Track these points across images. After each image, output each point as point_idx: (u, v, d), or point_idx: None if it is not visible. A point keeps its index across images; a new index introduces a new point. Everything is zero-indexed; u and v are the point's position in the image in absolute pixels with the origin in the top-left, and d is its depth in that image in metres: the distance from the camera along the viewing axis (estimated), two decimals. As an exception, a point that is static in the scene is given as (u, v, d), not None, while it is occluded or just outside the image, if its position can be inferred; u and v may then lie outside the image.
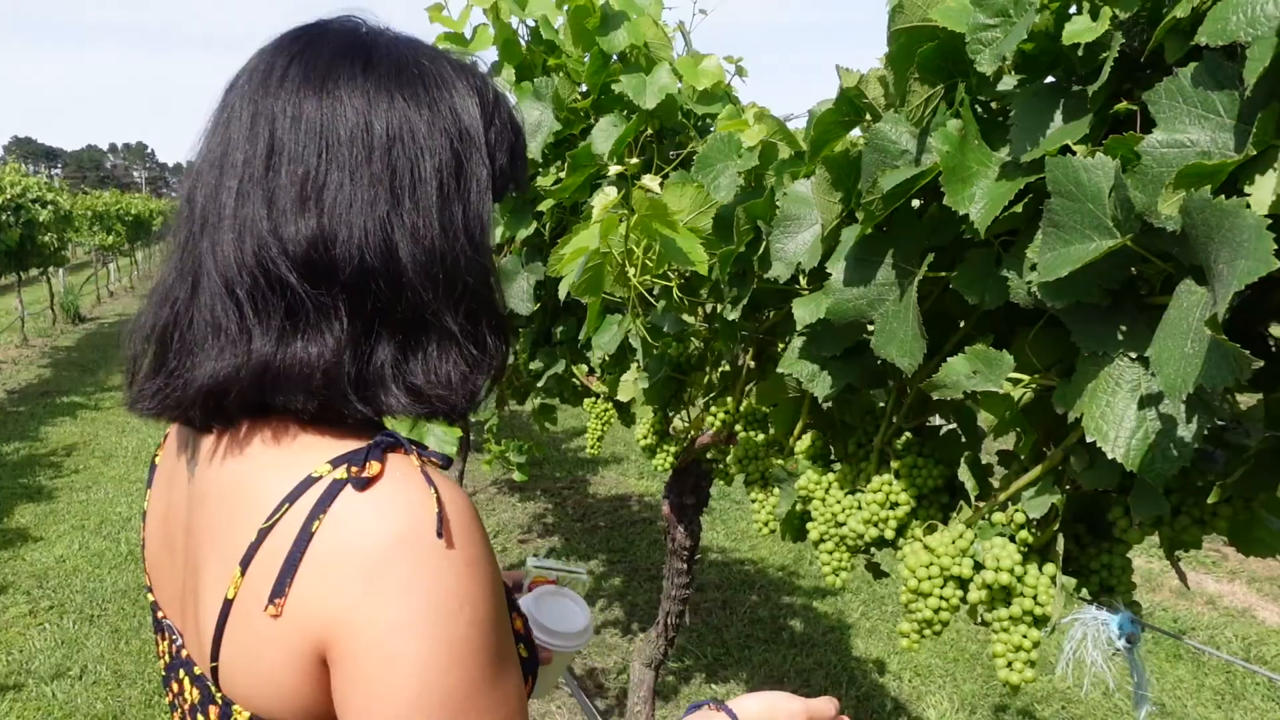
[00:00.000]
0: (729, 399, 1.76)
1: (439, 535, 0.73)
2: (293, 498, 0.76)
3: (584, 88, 2.02)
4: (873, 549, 1.39)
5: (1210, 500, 0.93)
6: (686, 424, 2.05)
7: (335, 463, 0.76)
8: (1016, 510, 1.11)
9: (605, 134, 1.83)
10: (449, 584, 0.73)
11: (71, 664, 3.96)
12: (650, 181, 1.16)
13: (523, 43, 2.24)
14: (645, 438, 2.04)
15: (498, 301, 0.86)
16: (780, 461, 1.57)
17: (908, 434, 1.38)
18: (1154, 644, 4.35)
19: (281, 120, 0.78)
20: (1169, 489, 1.04)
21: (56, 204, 12.55)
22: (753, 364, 1.72)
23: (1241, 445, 1.00)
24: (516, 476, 3.53)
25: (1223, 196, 0.69)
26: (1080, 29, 0.88)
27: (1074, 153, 0.88)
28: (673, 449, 2.04)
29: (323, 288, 0.77)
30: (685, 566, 2.28)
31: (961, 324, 1.20)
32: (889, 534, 1.31)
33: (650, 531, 5.72)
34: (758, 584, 4.95)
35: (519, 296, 2.42)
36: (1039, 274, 0.88)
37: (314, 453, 0.78)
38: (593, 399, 2.49)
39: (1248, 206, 0.67)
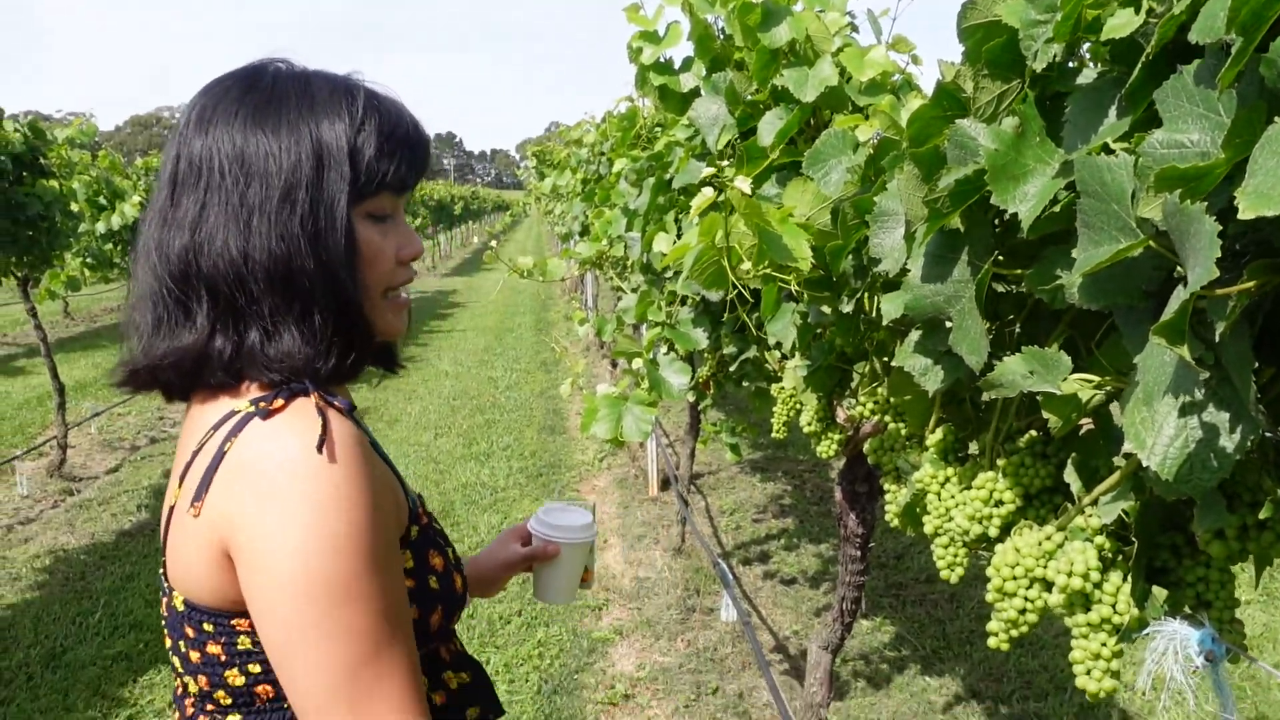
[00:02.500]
0: (879, 389, 1.76)
1: (319, 451, 0.93)
2: (217, 426, 1.00)
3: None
4: (984, 546, 1.38)
5: (1263, 515, 0.88)
6: (855, 410, 2.06)
7: (253, 402, 0.99)
8: (1091, 515, 1.08)
9: (770, 127, 1.88)
10: (326, 491, 0.93)
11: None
12: (742, 183, 1.20)
13: (718, 38, 2.31)
14: (810, 424, 2.07)
15: (345, 291, 1.03)
16: (912, 454, 1.57)
17: (1033, 433, 1.35)
18: None
19: (183, 159, 1.02)
20: (1255, 502, 0.98)
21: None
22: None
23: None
24: (729, 457, 3.61)
25: (1189, 202, 0.67)
26: (1120, 23, 0.85)
27: (1113, 151, 0.86)
28: (838, 436, 2.06)
29: (190, 291, 1.01)
30: (859, 554, 2.28)
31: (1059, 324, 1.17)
32: (993, 531, 1.30)
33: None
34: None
35: (709, 283, 2.50)
36: (1072, 274, 0.86)
37: (236, 399, 1.02)
38: (779, 384, 2.54)
39: (1207, 213, 0.65)
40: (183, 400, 1.09)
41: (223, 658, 1.00)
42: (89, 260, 7.67)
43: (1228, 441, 0.83)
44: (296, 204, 1.00)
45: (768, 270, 1.42)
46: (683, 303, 2.90)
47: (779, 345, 2.23)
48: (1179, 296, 0.67)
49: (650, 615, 4.48)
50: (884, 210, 1.24)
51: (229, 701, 1.03)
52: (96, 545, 5.32)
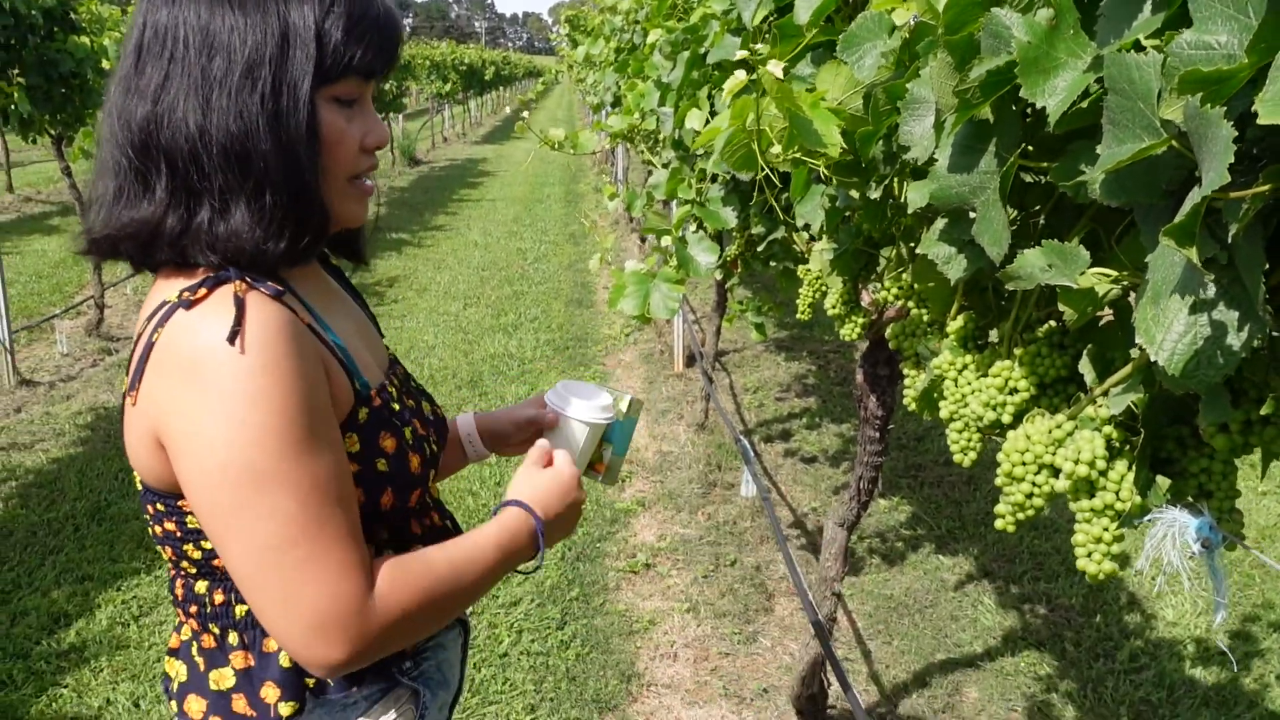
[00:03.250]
0: (904, 275, 1.78)
1: (230, 342, 0.96)
2: (151, 317, 1.04)
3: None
4: (997, 431, 1.41)
5: (1265, 411, 0.90)
6: (880, 294, 2.08)
7: (180, 292, 1.02)
8: (1102, 406, 1.11)
9: (807, 4, 1.84)
10: (244, 380, 0.96)
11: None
12: (775, 66, 1.20)
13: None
14: (834, 307, 2.09)
15: (300, 174, 1.04)
16: (932, 340, 1.59)
17: (1051, 323, 1.37)
18: None
19: (149, 27, 1.03)
20: (1260, 397, 1.01)
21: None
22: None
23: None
24: (754, 336, 3.65)
25: (1209, 106, 0.68)
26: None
27: (1144, 49, 0.86)
28: (861, 320, 2.08)
29: (149, 162, 1.02)
30: (878, 435, 2.33)
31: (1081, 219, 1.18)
32: (1006, 419, 1.33)
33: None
34: (1010, 464, 4.85)
35: (740, 162, 2.49)
36: (1095, 171, 0.88)
37: (177, 285, 1.04)
38: (806, 267, 2.55)
39: (1226, 118, 0.66)
40: (151, 271, 1.11)
41: (178, 534, 1.08)
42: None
43: (1235, 340, 0.86)
44: (258, 82, 1.00)
45: (797, 155, 1.43)
46: (713, 180, 2.89)
47: (807, 227, 2.23)
48: (1192, 199, 0.69)
49: (672, 488, 4.60)
50: (916, 97, 1.23)
51: (194, 571, 1.11)
52: (136, 404, 5.47)
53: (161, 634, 3.42)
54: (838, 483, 4.64)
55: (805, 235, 2.67)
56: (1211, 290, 0.88)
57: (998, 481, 1.24)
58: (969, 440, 1.45)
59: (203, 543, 1.07)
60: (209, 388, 0.96)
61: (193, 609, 1.12)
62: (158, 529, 1.11)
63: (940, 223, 1.37)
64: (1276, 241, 0.86)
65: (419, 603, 1.07)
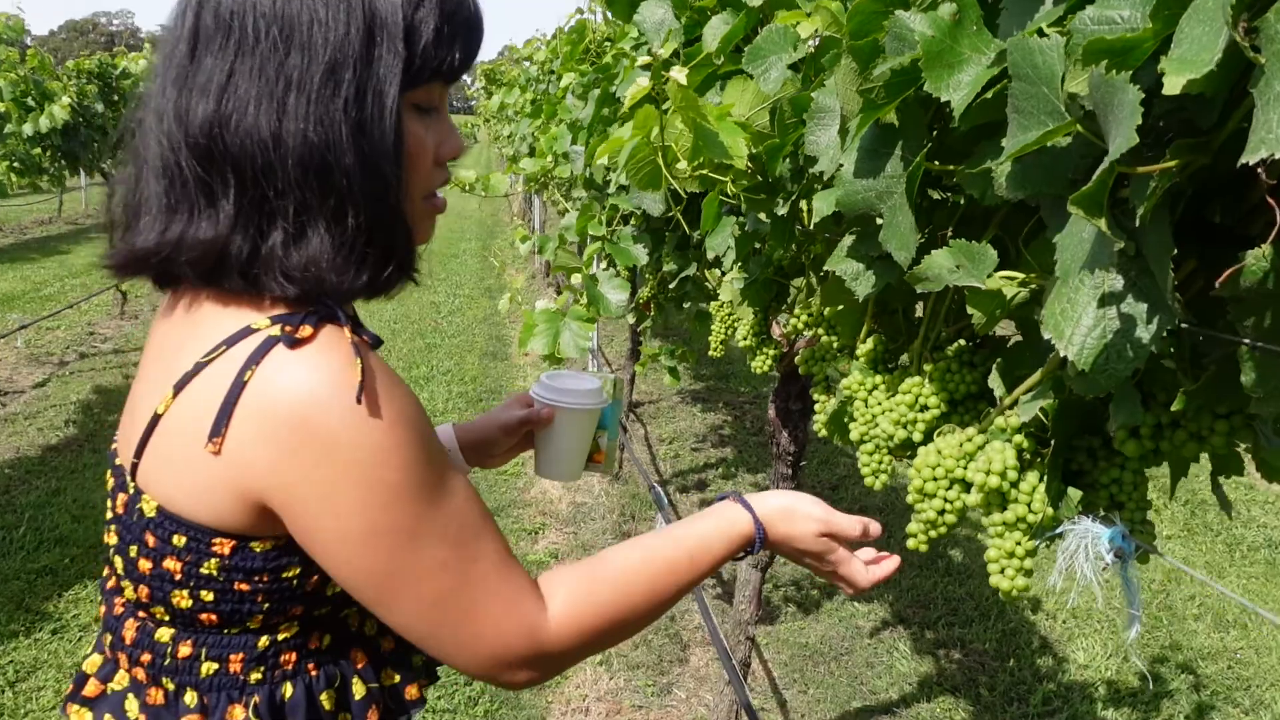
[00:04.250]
0: (813, 301, 1.76)
1: (358, 401, 0.84)
2: (230, 341, 0.87)
3: (702, -14, 2.02)
4: (909, 453, 1.39)
5: (1175, 408, 0.88)
6: (790, 327, 2.06)
7: (274, 320, 0.87)
8: (1011, 415, 1.09)
9: (715, 31, 1.83)
10: (373, 441, 0.85)
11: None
12: (678, 73, 1.17)
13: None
14: (745, 339, 2.07)
15: (387, 192, 0.90)
16: (842, 363, 1.57)
17: (961, 341, 1.35)
18: (1247, 562, 4.01)
19: (207, 11, 0.87)
20: (1168, 401, 0.99)
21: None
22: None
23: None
24: (667, 380, 3.62)
25: (1114, 71, 0.66)
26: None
27: (1046, 35, 0.84)
28: (772, 352, 2.06)
29: (213, 171, 0.86)
30: (790, 472, 2.30)
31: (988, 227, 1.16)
32: (917, 436, 1.30)
33: (824, 450, 5.72)
34: (897, 506, 4.87)
35: (651, 198, 2.47)
36: (1000, 161, 0.85)
37: (249, 311, 0.89)
38: (718, 303, 2.53)
39: (1133, 83, 0.64)
40: (173, 288, 0.97)
41: (177, 576, 0.91)
42: (15, 164, 7.41)
43: (1144, 332, 0.83)
44: (341, 85, 0.85)
45: (703, 172, 1.40)
46: (624, 221, 2.87)
47: (719, 261, 2.21)
48: (1101, 168, 0.66)
49: (586, 539, 4.51)
50: (821, 107, 1.21)
51: (165, 618, 0.95)
52: (22, 460, 5.20)
53: (41, 699, 3.21)
54: (753, 531, 4.59)
55: (717, 273, 2.65)
56: (1119, 282, 0.86)
57: (909, 499, 1.20)
58: (879, 463, 1.41)
59: (202, 593, 0.91)
60: (338, 455, 0.84)
61: (144, 657, 0.96)
62: (146, 564, 0.92)
63: (847, 240, 1.35)
64: (1182, 231, 0.84)
65: (603, 618, 0.99)
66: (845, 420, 1.51)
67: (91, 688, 1.01)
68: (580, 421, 1.35)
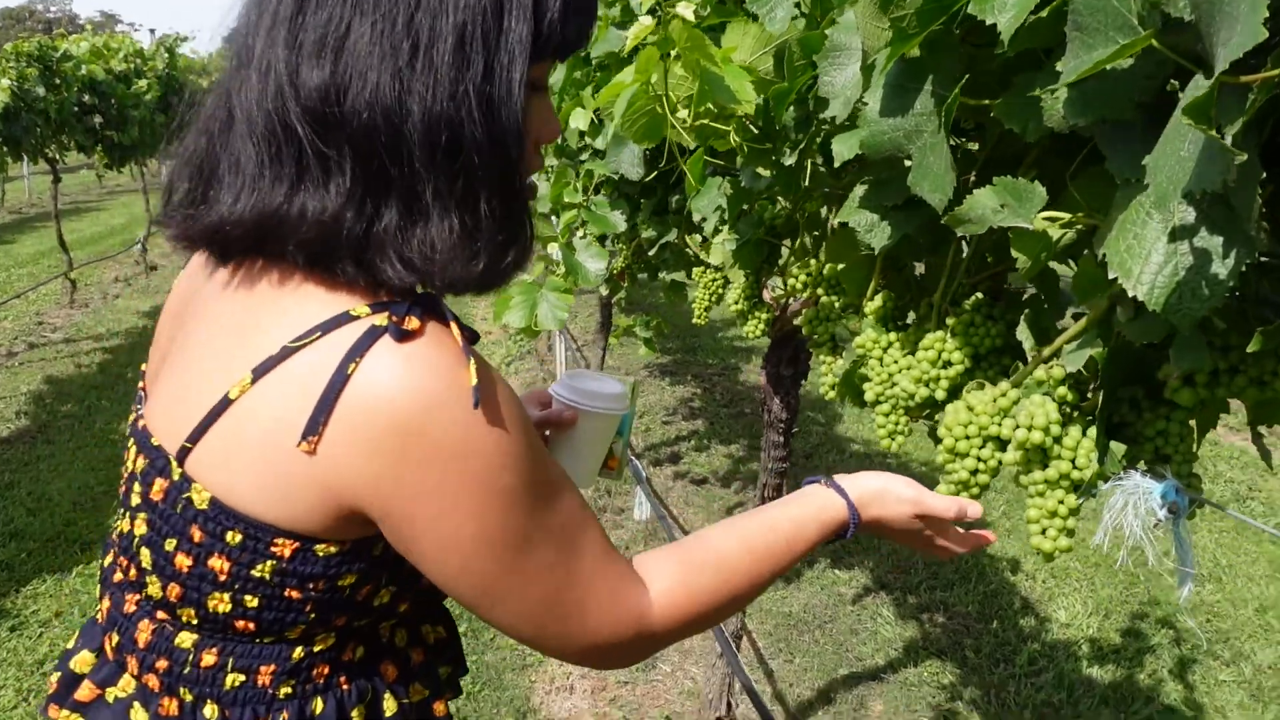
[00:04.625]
0: (813, 260, 1.69)
1: (476, 406, 0.77)
2: (327, 327, 0.78)
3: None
4: (927, 412, 1.32)
5: (1250, 348, 0.82)
6: (781, 290, 1.99)
7: (376, 308, 0.78)
8: (1055, 365, 1.02)
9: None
10: (490, 447, 0.78)
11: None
12: (685, 9, 1.09)
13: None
14: (736, 303, 1.99)
15: (513, 175, 0.82)
16: (849, 323, 1.50)
17: (979, 294, 1.29)
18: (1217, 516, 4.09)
19: None
20: (1226, 345, 0.93)
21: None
22: (836, 223, 1.63)
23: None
24: (642, 352, 3.54)
25: (1225, -34, 0.59)
26: None
27: (1111, -55, 0.77)
28: (765, 316, 1.99)
29: (330, 141, 0.76)
30: (781, 439, 2.24)
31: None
32: (940, 394, 1.24)
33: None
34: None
35: (629, 161, 2.38)
36: (1062, 80, 0.78)
37: (344, 295, 0.80)
38: (701, 269, 2.45)
39: None
40: (236, 260, 0.86)
41: (222, 577, 0.81)
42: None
43: (1221, 267, 0.77)
44: (471, 52, 0.76)
45: (704, 121, 1.32)
46: (596, 191, 2.77)
47: (703, 224, 2.13)
48: (1200, 82, 0.59)
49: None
50: (836, 45, 1.14)
51: (193, 620, 0.85)
52: (-28, 452, 5.03)
53: (1, 699, 3.08)
54: (730, 503, 4.55)
55: (699, 238, 2.57)
56: (1191, 214, 0.79)
57: (940, 459, 1.14)
58: (896, 423, 1.35)
59: (246, 598, 0.82)
60: (456, 464, 0.78)
61: (159, 663, 0.87)
62: (185, 560, 0.81)
63: (859, 190, 1.28)
64: (1270, 150, 0.78)
65: (705, 604, 0.95)
66: (857, 380, 1.45)
67: (85, 691, 0.92)
68: (603, 426, 1.28)
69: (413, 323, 0.78)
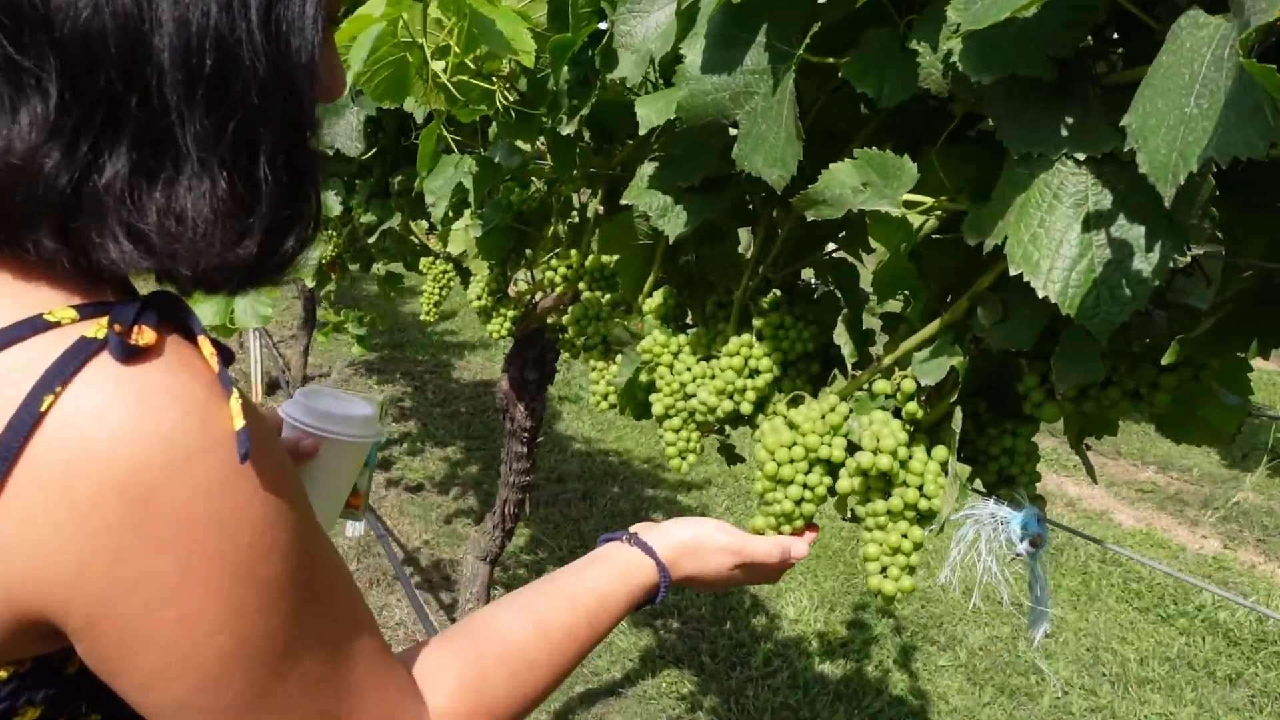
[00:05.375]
0: (573, 252, 1.48)
1: (244, 460, 0.53)
2: (8, 338, 0.51)
3: None
4: (726, 427, 1.15)
5: (1166, 360, 0.70)
6: (529, 285, 1.77)
7: (87, 310, 0.54)
8: (904, 377, 0.87)
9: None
10: (257, 520, 0.55)
11: None
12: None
13: None
14: (480, 298, 1.75)
15: (304, 126, 0.59)
16: (625, 322, 1.30)
17: (776, 292, 1.13)
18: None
19: None
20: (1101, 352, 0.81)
21: None
22: (602, 210, 1.44)
23: (1190, 306, 0.78)
24: (354, 351, 3.21)
25: None
26: None
27: None
28: (511, 313, 1.76)
29: (25, 44, 0.50)
30: (525, 450, 2.02)
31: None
32: (746, 407, 1.07)
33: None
34: (621, 475, 4.77)
35: (346, 134, 2.07)
36: (964, 27, 0.61)
37: (39, 288, 0.54)
38: (430, 259, 2.19)
39: None
40: None
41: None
42: None
43: (1144, 263, 0.64)
44: None
45: (463, 76, 1.08)
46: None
47: (432, 209, 1.87)
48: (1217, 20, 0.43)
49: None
50: (638, -14, 0.93)
51: None
52: None
53: None
54: (449, 511, 4.28)
55: (424, 225, 2.30)
56: (1108, 198, 0.65)
57: (758, 488, 0.96)
58: (687, 440, 1.17)
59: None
60: (201, 547, 0.53)
61: None
62: None
63: (648, 167, 1.09)
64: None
65: (501, 707, 0.73)
66: (637, 391, 1.25)
67: None
68: (350, 456, 1.01)
69: (145, 335, 0.53)
